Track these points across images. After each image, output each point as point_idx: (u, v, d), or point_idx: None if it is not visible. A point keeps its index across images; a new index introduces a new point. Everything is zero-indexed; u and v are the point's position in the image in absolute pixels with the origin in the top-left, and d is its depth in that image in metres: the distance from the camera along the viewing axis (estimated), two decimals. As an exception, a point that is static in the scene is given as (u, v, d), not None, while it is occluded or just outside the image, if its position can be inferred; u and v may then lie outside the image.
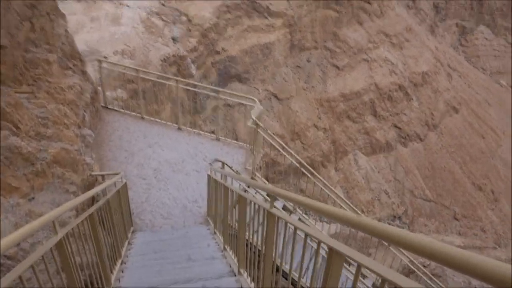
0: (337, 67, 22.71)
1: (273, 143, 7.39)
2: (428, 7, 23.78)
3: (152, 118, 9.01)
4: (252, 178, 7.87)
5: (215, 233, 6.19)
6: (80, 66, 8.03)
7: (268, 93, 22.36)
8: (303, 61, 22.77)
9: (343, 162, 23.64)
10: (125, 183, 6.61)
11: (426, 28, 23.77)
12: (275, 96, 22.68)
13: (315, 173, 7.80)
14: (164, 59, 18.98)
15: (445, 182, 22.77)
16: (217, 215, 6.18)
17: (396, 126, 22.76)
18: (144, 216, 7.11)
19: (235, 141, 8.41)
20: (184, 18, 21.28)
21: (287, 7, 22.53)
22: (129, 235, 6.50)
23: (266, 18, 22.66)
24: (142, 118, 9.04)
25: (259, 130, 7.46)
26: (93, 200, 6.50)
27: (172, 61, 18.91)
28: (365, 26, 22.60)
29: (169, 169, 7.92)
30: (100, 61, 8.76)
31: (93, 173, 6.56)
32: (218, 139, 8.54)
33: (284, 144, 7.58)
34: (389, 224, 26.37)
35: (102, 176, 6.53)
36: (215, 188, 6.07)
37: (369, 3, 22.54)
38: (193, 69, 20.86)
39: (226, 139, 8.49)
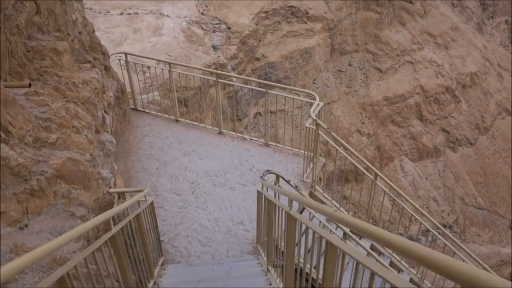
0: (380, 70, 20.47)
1: (338, 148, 5.41)
2: (475, 5, 21.27)
3: (188, 121, 7.16)
4: (311, 193, 5.86)
5: (268, 270, 4.24)
6: (102, 60, 6.24)
7: (310, 99, 20.38)
8: (344, 65, 20.70)
9: (389, 168, 21.27)
10: (152, 202, 4.73)
11: (473, 26, 21.24)
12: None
13: (384, 178, 5.82)
14: (205, 67, 17.22)
15: (499, 188, 20.05)
16: (270, 245, 4.24)
17: (444, 130, 20.25)
18: (178, 242, 5.21)
19: (288, 147, 6.50)
20: (223, 26, 19.74)
21: (326, 10, 20.55)
22: (156, 270, 4.59)
23: (305, 22, 20.75)
24: (177, 121, 7.20)
25: (320, 131, 5.49)
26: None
27: (213, 69, 17.21)
28: (408, 27, 20.30)
29: (209, 183, 6.02)
30: (126, 55, 6.98)
31: (111, 190, 4.70)
32: (267, 145, 6.60)
33: (350, 148, 5.60)
34: (439, 233, 23.45)
35: (122, 194, 4.68)
36: (268, 209, 4.14)
37: (411, 2, 20.25)
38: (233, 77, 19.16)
39: (278, 145, 6.57)
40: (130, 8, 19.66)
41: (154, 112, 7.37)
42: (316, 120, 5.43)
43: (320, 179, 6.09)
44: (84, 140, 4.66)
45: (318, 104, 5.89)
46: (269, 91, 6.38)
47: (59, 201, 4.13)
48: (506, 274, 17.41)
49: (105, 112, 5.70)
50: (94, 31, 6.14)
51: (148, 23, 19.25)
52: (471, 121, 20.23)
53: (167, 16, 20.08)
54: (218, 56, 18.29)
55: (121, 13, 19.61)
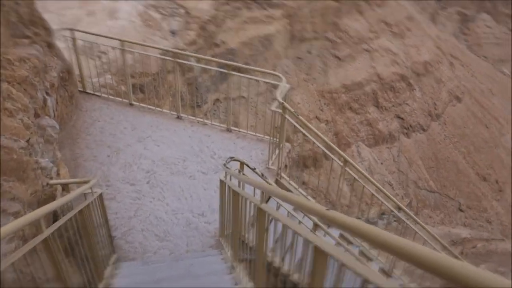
0: (338, 58, 20.21)
1: (304, 130, 4.93)
2: (429, -5, 21.31)
3: (143, 105, 6.47)
4: (277, 180, 5.36)
5: (233, 267, 3.71)
6: (44, 36, 5.45)
7: (268, 85, 19.93)
8: (303, 52, 20.27)
9: (346, 154, 21.17)
10: (101, 194, 4.08)
11: (427, 16, 21.31)
12: (276, 88, 20.16)
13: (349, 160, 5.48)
14: (164, 53, 16.40)
15: (449, 172, 20.44)
16: (235, 239, 3.72)
17: (399, 117, 20.35)
18: (132, 237, 4.59)
19: (251, 133, 5.94)
20: (182, 11, 18.83)
21: (287, -3, 20.00)
22: (108, 270, 3.96)
23: (265, 9, 20.12)
24: (131, 104, 6.50)
25: (286, 115, 4.98)
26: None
27: (171, 55, 16.45)
28: (366, 15, 20.12)
29: (166, 171, 5.41)
30: (71, 31, 6.18)
31: (52, 181, 4.00)
32: (229, 130, 6.03)
33: (319, 133, 5.14)
34: (393, 216, 23.71)
35: (66, 185, 3.99)
36: (234, 200, 3.60)
37: (369, -9, 20.02)
38: (193, 62, 18.45)
39: (241, 130, 6.00)
40: (86, -11, 18.44)
41: (106, 96, 6.62)
42: (283, 103, 4.91)
43: (285, 166, 5.60)
44: (18, 125, 3.92)
45: (284, 86, 5.37)
46: (232, 72, 5.80)
47: (-13, 196, 3.42)
48: (457, 253, 17.77)
49: (47, 94, 4.94)
50: (34, 3, 5.33)
51: (103, 6, 18.12)
52: (424, 108, 20.41)
53: (124, -1, 18.94)
54: (177, 42, 17.44)
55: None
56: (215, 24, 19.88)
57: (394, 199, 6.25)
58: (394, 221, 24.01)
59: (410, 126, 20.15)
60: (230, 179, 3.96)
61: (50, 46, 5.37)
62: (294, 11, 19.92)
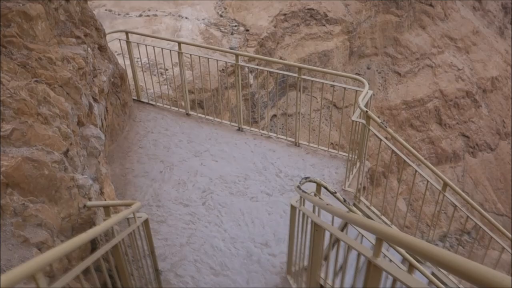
0: (399, 74, 18.73)
1: (393, 146, 3.85)
2: (496, 8, 19.36)
3: (201, 115, 5.62)
4: (354, 205, 4.24)
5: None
6: (95, 37, 4.70)
7: (327, 102, 18.84)
8: (363, 68, 18.99)
9: (406, 172, 19.51)
10: (146, 219, 3.16)
11: (494, 30, 19.35)
12: (335, 105, 19.10)
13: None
14: (222, 69, 15.87)
15: (520, 194, 18.17)
16: (311, 282, 2.65)
17: (463, 135, 18.43)
18: (183, 269, 3.63)
19: (323, 148, 4.91)
20: (241, 28, 18.27)
21: (345, 13, 18.88)
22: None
23: (324, 25, 19.09)
24: (187, 114, 5.66)
25: (370, 127, 3.92)
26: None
27: (230, 71, 15.90)
28: (428, 30, 18.52)
29: (224, 191, 4.46)
30: (127, 33, 5.46)
31: (90, 203, 3.12)
32: (297, 145, 5.03)
33: (410, 147, 4.06)
34: (456, 239, 21.48)
35: (106, 208, 3.11)
36: (314, 235, 2.56)
37: (431, 5, 18.47)
38: (251, 78, 17.73)
39: (311, 144, 4.98)
40: (149, 10, 18.41)
41: (161, 105, 5.82)
42: (367, 111, 3.85)
43: (364, 187, 4.49)
44: (54, 134, 3.04)
45: (368, 93, 4.31)
46: (303, 76, 4.81)
47: (8, 221, 2.60)
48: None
49: (94, 100, 4.11)
50: (86, 1, 4.62)
51: (167, 25, 17.94)
52: (491, 126, 18.38)
53: (186, 18, 18.72)
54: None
55: (140, 15, 18.33)
56: (274, 40, 19.13)
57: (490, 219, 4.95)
58: (457, 244, 21.76)
59: (477, 145, 18.19)
60: (303, 204, 2.95)
61: (102, 48, 4.65)
62: (353, 26, 18.73)
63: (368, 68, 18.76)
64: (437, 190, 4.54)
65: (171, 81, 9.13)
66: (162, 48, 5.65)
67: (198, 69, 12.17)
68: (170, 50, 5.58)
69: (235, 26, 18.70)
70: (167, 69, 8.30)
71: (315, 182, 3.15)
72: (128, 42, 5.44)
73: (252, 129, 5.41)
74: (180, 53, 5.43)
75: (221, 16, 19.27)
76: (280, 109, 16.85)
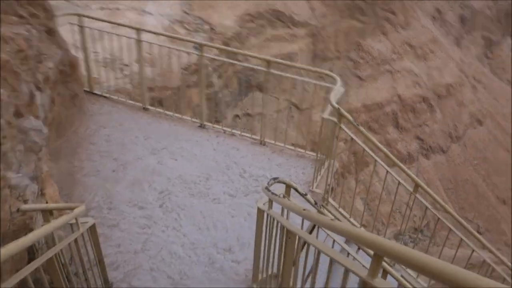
0: (360, 78, 18.83)
1: (365, 146, 3.57)
2: (454, 19, 19.85)
3: (160, 110, 5.14)
4: (321, 207, 3.90)
5: None
6: (43, 19, 4.12)
7: (288, 103, 18.69)
8: (323, 73, 19.02)
9: (364, 173, 19.70)
10: (93, 225, 2.68)
11: (451, 40, 19.84)
12: (296, 106, 18.99)
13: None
14: (185, 67, 15.29)
15: (468, 195, 18.82)
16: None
17: (418, 138, 18.81)
18: (138, 279, 3.17)
19: (290, 147, 4.56)
20: (206, 27, 17.74)
21: (311, 16, 18.75)
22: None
23: (289, 27, 18.87)
24: (145, 109, 5.17)
25: (342, 125, 3.64)
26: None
27: (193, 70, 15.38)
28: (390, 37, 18.75)
29: (184, 192, 4.02)
30: (79, 16, 4.90)
31: (24, 207, 2.60)
32: (262, 143, 4.66)
33: (381, 146, 3.82)
34: (410, 236, 21.89)
35: (45, 212, 2.60)
36: (287, 243, 2.18)
37: (394, 13, 18.70)
38: (214, 77, 17.25)
39: (277, 143, 4.62)
40: (111, 3, 17.57)
41: (116, 97, 5.28)
42: (339, 109, 3.54)
43: (332, 188, 4.19)
44: None
45: (339, 89, 4.01)
46: (272, 70, 4.46)
47: None
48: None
49: (38, 88, 3.55)
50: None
51: (130, 20, 17.15)
52: (444, 130, 18.86)
53: (150, 13, 17.98)
54: (198, 58, 16.33)
55: (102, 8, 17.44)
56: (239, 41, 18.71)
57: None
58: (411, 241, 22.12)
59: (430, 147, 18.60)
60: (271, 206, 2.59)
61: (50, 32, 4.08)
62: (318, 30, 18.67)
63: (331, 71, 18.79)
64: (402, 189, 4.31)
65: (128, 74, 8.55)
66: (118, 35, 5.12)
67: (159, 66, 11.56)
68: (128, 38, 5.07)
69: (200, 24, 18.16)
70: (126, 65, 7.79)
71: (284, 183, 2.80)
72: (81, 28, 4.87)
73: (215, 126, 4.99)
74: (138, 41, 4.95)
75: (186, 13, 18.66)
76: (243, 109, 16.47)
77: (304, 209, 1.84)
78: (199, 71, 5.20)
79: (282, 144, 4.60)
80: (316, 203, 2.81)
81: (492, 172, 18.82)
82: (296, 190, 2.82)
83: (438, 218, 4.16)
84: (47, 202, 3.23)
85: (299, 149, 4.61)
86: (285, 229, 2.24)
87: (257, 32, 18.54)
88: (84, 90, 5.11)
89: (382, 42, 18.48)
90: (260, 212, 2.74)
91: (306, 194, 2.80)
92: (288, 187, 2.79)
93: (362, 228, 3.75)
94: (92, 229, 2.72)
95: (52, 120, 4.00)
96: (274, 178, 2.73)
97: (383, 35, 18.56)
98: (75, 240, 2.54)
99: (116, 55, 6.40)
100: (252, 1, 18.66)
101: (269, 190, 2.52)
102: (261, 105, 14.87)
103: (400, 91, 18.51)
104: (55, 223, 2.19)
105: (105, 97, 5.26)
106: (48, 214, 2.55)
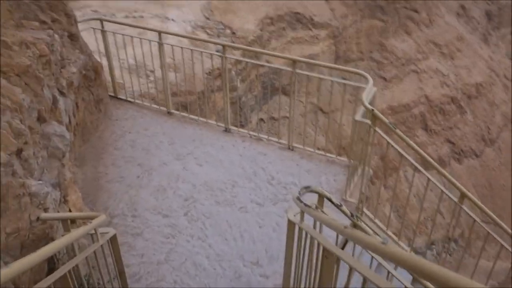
0: (385, 79, 18.42)
1: (403, 152, 3.38)
2: (480, 15, 19.27)
3: (184, 114, 5.05)
4: (356, 218, 3.70)
5: None
6: (65, 24, 4.09)
7: (313, 106, 18.46)
8: (349, 74, 18.73)
9: (392, 178, 19.19)
10: (114, 235, 2.56)
11: (478, 37, 19.26)
12: (320, 109, 18.74)
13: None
14: (209, 72, 15.34)
15: (505, 202, 17.97)
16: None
17: (449, 141, 18.18)
18: (161, 291, 3.04)
19: (320, 152, 4.37)
20: (228, 31, 17.76)
21: (331, 17, 18.53)
22: None
23: (310, 29, 18.70)
24: (169, 113, 5.08)
25: (377, 128, 3.43)
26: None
27: (216, 74, 15.44)
28: (413, 36, 18.30)
29: (210, 199, 3.88)
30: (101, 21, 4.87)
31: (44, 215, 2.49)
32: (290, 148, 4.49)
33: (423, 152, 3.60)
34: (443, 246, 21.13)
35: (64, 221, 2.50)
36: (323, 263, 1.99)
37: (416, 11, 18.28)
38: (237, 81, 17.20)
39: (306, 148, 4.43)
40: (135, 12, 17.80)
41: (141, 102, 5.22)
42: (373, 110, 3.34)
43: (366, 197, 3.98)
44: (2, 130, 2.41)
45: (371, 89, 3.82)
46: (299, 71, 4.30)
47: None
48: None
49: (61, 93, 3.48)
50: (54, -17, 4.01)
51: (153, 27, 17.32)
52: (476, 132, 18.18)
53: (172, 20, 18.14)
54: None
55: (126, 16, 17.71)
56: (260, 44, 18.63)
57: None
58: (445, 252, 21.41)
59: (462, 151, 17.94)
60: (303, 218, 2.42)
61: (72, 37, 4.04)
62: (339, 31, 18.40)
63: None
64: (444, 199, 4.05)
65: (153, 80, 8.58)
66: (140, 38, 5.07)
67: (183, 71, 11.52)
68: (150, 41, 5.01)
69: (222, 28, 18.21)
70: (152, 71, 7.83)
71: (317, 192, 2.61)
72: (103, 32, 4.84)
73: (240, 130, 4.85)
74: (160, 44, 4.88)
75: (207, 18, 18.77)
76: (268, 113, 16.32)
77: (345, 227, 1.66)
78: (223, 74, 5.10)
79: (311, 149, 4.41)
80: (352, 215, 2.62)
81: (530, 177, 18.03)
82: (330, 200, 2.64)
83: (488, 233, 3.87)
84: (70, 210, 3.15)
85: (330, 154, 4.41)
86: (321, 246, 2.06)
87: (278, 35, 18.44)
88: (109, 95, 5.08)
89: (405, 42, 18.06)
90: (291, 224, 2.57)
91: (341, 205, 2.61)
92: (321, 197, 2.61)
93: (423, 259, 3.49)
94: (113, 240, 2.60)
95: (76, 125, 3.95)
96: (306, 187, 2.55)
97: (406, 34, 18.15)
98: (94, 253, 2.43)
99: (141, 61, 6.39)
100: (272, 5, 18.59)
101: (301, 201, 2.34)
102: (285, 109, 14.68)
103: (428, 92, 17.99)
104: (74, 234, 2.08)
105: (129, 101, 5.21)
106: (68, 223, 2.45)
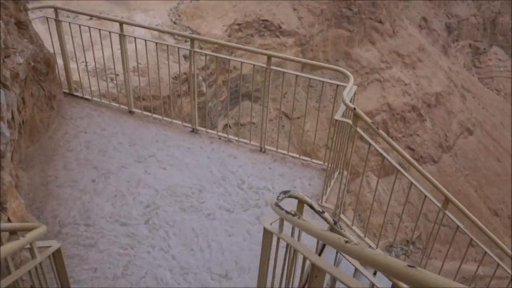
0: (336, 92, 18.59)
1: (384, 154, 3.11)
2: (441, 27, 19.80)
3: (147, 113, 4.60)
4: (339, 227, 3.38)
5: None
6: (12, 10, 3.57)
7: (278, 112, 18.34)
8: (314, 81, 18.75)
9: (355, 183, 19.31)
10: (58, 249, 2.09)
11: (439, 48, 19.76)
12: (286, 116, 18.63)
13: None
14: (175, 76, 14.78)
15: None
16: None
17: (409, 148, 18.47)
18: (116, 311, 2.58)
19: (294, 155, 4.04)
20: (195, 36, 17.39)
21: (299, 25, 18.48)
22: None
23: (277, 36, 18.57)
24: (130, 112, 4.61)
25: (358, 128, 3.16)
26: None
27: (183, 79, 14.96)
28: (378, 46, 18.55)
29: (174, 206, 3.46)
30: (56, 10, 4.35)
31: None
32: (263, 151, 4.13)
33: (404, 153, 3.35)
34: (402, 248, 21.30)
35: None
36: (312, 279, 1.62)
37: (381, 22, 18.54)
38: (204, 87, 16.74)
39: (279, 151, 4.08)
40: (100, 13, 17.04)
41: (98, 99, 4.72)
42: (355, 108, 3.06)
43: (343, 202, 3.68)
44: None
45: (352, 87, 3.56)
46: (273, 67, 3.98)
47: None
48: (473, 293, 15.61)
49: (3, 85, 2.98)
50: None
51: (118, 30, 16.64)
52: (435, 139, 18.60)
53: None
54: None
55: (90, 18, 16.93)
56: (228, 50, 18.31)
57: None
58: (402, 254, 21.56)
59: (421, 157, 18.29)
60: (281, 227, 2.07)
61: (21, 25, 3.54)
62: (306, 39, 18.38)
63: (320, 81, 18.52)
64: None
65: (118, 84, 8.04)
66: (99, 30, 4.59)
67: (147, 75, 11.05)
68: (110, 32, 4.54)
69: (189, 34, 17.76)
70: (118, 74, 7.35)
71: (297, 198, 2.27)
72: (57, 21, 4.31)
73: (208, 131, 4.44)
74: (122, 36, 4.43)
75: (174, 23, 18.28)
76: (234, 118, 16.01)
77: (347, 241, 1.32)
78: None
79: (285, 152, 4.06)
80: (335, 223, 2.30)
81: (484, 183, 18.55)
82: (311, 206, 2.31)
83: (471, 239, 3.64)
84: (9, 219, 2.65)
85: (304, 157, 4.08)
86: (312, 266, 1.72)
87: (246, 42, 18.21)
88: (63, 92, 4.54)
89: (370, 51, 18.27)
90: (267, 233, 2.21)
91: (323, 212, 2.29)
92: (302, 203, 2.27)
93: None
94: (57, 255, 2.14)
95: (22, 123, 3.45)
96: (285, 192, 2.20)
97: (371, 43, 18.36)
98: (37, 267, 1.98)
99: (100, 58, 5.89)
100: (240, 11, 18.36)
101: (281, 208, 1.99)
102: (253, 115, 14.27)
103: (390, 100, 18.25)
104: (5, 249, 1.64)
105: (86, 99, 4.67)
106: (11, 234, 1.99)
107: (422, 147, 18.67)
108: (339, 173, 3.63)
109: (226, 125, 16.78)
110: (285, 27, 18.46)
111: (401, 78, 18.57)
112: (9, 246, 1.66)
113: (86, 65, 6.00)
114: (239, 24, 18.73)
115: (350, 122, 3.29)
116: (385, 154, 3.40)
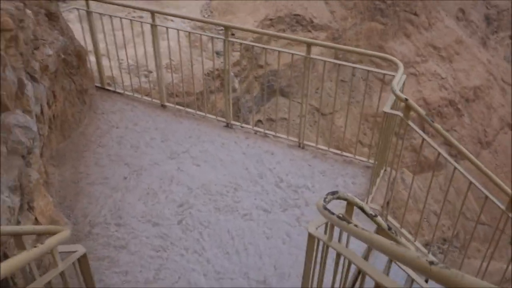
0: (383, 81, 17.86)
1: (439, 150, 2.78)
2: (479, 19, 18.73)
3: (180, 107, 4.37)
4: (378, 228, 3.03)
5: None
6: (42, 2, 3.39)
7: (311, 108, 17.86)
8: (348, 75, 18.14)
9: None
10: (84, 254, 1.85)
11: (477, 40, 18.71)
12: (318, 111, 18.14)
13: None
14: (207, 73, 14.65)
15: (500, 203, 17.40)
16: None
17: (446, 144, 17.56)
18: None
19: (336, 151, 3.71)
20: (227, 32, 17.21)
21: (331, 19, 17.95)
22: None
23: (309, 31, 18.13)
24: (163, 106, 4.40)
25: (409, 121, 2.84)
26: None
27: (216, 75, 14.82)
28: (413, 39, 17.73)
29: (208, 205, 3.21)
30: (86, 1, 4.20)
31: None
32: (301, 146, 3.81)
33: (465, 150, 3.00)
34: (439, 247, 20.44)
35: (18, 236, 1.81)
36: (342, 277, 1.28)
37: (416, 15, 17.71)
38: (236, 83, 16.51)
39: (319, 147, 3.75)
40: (134, 12, 17.15)
41: (131, 93, 4.53)
42: (407, 100, 2.72)
43: (388, 202, 3.34)
44: None
45: (402, 76, 3.22)
46: (313, 56, 3.67)
47: None
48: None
49: (33, 78, 2.76)
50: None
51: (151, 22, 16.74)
52: (473, 135, 17.63)
53: (171, 20, 17.56)
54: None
55: (125, 17, 17.13)
56: (263, 42, 18.06)
57: None
58: (440, 253, 20.70)
59: (459, 153, 17.46)
60: (329, 232, 1.77)
61: (52, 17, 3.37)
62: (339, 33, 17.82)
63: (353, 75, 17.88)
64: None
65: (151, 80, 7.93)
66: (131, 20, 4.41)
67: (180, 71, 10.91)
68: (142, 23, 4.35)
69: (221, 30, 17.59)
70: (151, 71, 7.25)
71: (346, 199, 1.95)
72: (89, 13, 4.15)
73: (243, 125, 4.15)
74: (154, 26, 4.23)
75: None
76: (265, 114, 15.66)
77: (432, 262, 1.00)
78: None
79: (326, 148, 3.72)
80: (389, 229, 1.98)
81: (525, 179, 17.45)
82: (362, 209, 1.99)
83: (457, 233, 3.23)
84: (36, 219, 2.46)
85: (347, 154, 3.72)
86: (362, 275, 1.42)
87: (278, 37, 17.89)
88: (95, 86, 4.40)
89: (405, 44, 17.50)
90: (311, 239, 1.90)
91: (375, 216, 1.97)
92: (351, 205, 1.95)
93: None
94: (82, 261, 1.92)
95: (53, 118, 3.30)
96: (332, 193, 1.88)
97: (405, 37, 17.59)
98: (61, 273, 1.76)
99: (139, 62, 5.77)
100: (272, 6, 18.04)
101: (331, 212, 1.68)
102: (284, 110, 13.97)
103: (426, 95, 17.45)
104: (20, 256, 1.42)
105: (118, 93, 4.50)
106: (21, 239, 1.78)
107: (460, 143, 17.80)
108: (384, 170, 3.28)
109: (259, 120, 16.54)
110: (317, 21, 17.98)
111: (437, 72, 17.69)
112: (35, 250, 1.43)
113: (119, 62, 5.88)
114: (270, 19, 18.37)
115: (401, 114, 2.93)
116: (439, 150, 3.02)
